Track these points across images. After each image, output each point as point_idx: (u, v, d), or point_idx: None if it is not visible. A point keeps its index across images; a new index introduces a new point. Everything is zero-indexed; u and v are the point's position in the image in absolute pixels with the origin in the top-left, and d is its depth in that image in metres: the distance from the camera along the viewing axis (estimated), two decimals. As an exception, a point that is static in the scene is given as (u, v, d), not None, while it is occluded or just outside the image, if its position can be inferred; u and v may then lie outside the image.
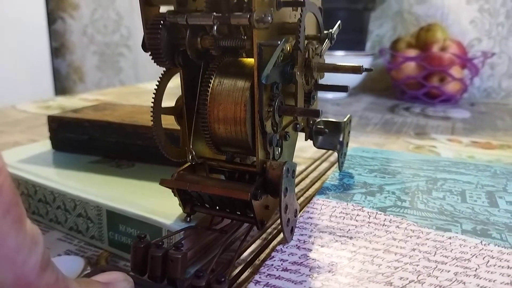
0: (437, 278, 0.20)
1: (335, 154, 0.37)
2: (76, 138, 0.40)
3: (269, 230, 0.32)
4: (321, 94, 0.89)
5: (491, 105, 0.94)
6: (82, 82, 1.54)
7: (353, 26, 0.92)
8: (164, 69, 0.26)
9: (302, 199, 0.36)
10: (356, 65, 0.26)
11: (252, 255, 0.27)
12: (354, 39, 0.93)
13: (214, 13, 0.22)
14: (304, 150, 0.52)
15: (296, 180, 0.40)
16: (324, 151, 0.50)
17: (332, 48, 0.28)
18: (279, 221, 0.32)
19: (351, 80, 0.92)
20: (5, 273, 0.14)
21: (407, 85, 0.92)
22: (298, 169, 0.43)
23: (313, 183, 0.40)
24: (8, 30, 1.24)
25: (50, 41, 1.45)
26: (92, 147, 0.39)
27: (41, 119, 0.70)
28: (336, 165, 0.38)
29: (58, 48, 1.54)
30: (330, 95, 0.92)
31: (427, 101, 0.90)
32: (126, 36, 1.42)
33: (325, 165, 0.46)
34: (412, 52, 0.91)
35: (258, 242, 0.30)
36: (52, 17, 1.49)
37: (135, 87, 1.11)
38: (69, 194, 0.32)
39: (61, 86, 1.56)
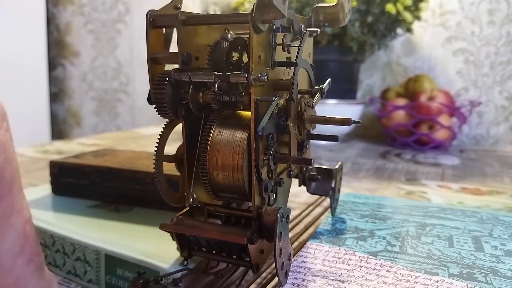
0: (425, 321, 0.21)
1: (328, 199, 0.38)
2: (76, 183, 0.41)
3: (264, 275, 0.32)
4: (314, 141, 0.91)
5: (480, 152, 0.97)
6: (79, 127, 1.57)
7: (344, 76, 0.96)
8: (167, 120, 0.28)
9: (296, 243, 0.37)
10: (345, 117, 0.28)
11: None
12: (345, 89, 0.97)
13: (215, 72, 0.25)
14: (298, 195, 0.54)
15: (290, 225, 0.42)
16: (317, 196, 0.52)
17: (325, 97, 0.31)
18: (273, 266, 0.33)
19: (343, 127, 0.95)
20: None
21: (398, 132, 0.95)
22: (292, 214, 0.44)
23: (306, 228, 0.41)
24: (9, 75, 1.28)
25: (50, 86, 1.49)
26: (91, 191, 0.41)
27: (38, 163, 0.71)
28: (329, 210, 0.40)
29: (56, 93, 1.58)
30: (323, 141, 0.95)
31: (418, 148, 0.93)
32: (125, 83, 1.46)
33: (318, 210, 0.47)
34: (401, 101, 0.95)
35: (253, 286, 0.30)
36: (52, 64, 1.54)
37: (131, 132, 1.13)
38: (68, 238, 0.33)
39: (58, 130, 1.59)
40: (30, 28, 1.36)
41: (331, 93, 0.94)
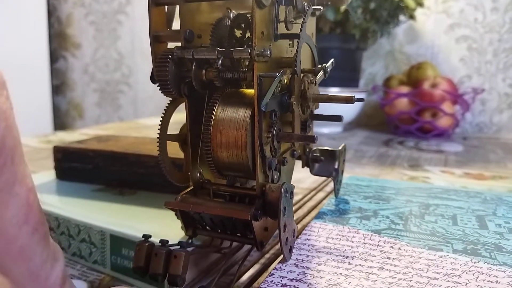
0: (429, 292, 0.21)
1: (331, 185, 0.38)
2: (80, 168, 0.41)
3: (268, 255, 0.33)
4: (317, 129, 0.91)
5: (483, 139, 0.96)
6: (81, 119, 1.57)
7: (347, 64, 0.96)
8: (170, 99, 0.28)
9: (299, 226, 0.37)
10: (349, 95, 0.28)
11: (251, 279, 0.27)
12: (348, 77, 0.96)
13: (218, 48, 0.25)
14: (302, 181, 0.54)
15: (294, 208, 0.42)
16: (320, 182, 0.52)
17: (328, 85, 0.31)
18: (277, 247, 0.33)
19: (346, 115, 0.95)
20: (31, 286, 0.15)
21: (401, 120, 0.95)
22: (296, 198, 0.44)
23: (309, 211, 0.41)
24: (11, 68, 1.28)
25: (51, 79, 1.49)
26: (95, 176, 0.41)
27: (42, 153, 0.71)
28: (332, 194, 0.40)
29: (58, 86, 1.58)
30: (325, 129, 0.95)
31: (421, 136, 0.93)
32: (127, 75, 1.46)
33: (321, 194, 0.47)
34: (404, 89, 0.94)
35: (257, 266, 0.31)
36: (54, 56, 1.54)
37: (134, 123, 1.14)
38: (73, 219, 0.33)
39: (60, 122, 1.59)
40: (31, 20, 1.36)
41: (334, 81, 0.93)
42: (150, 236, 0.23)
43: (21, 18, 1.33)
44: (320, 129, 0.94)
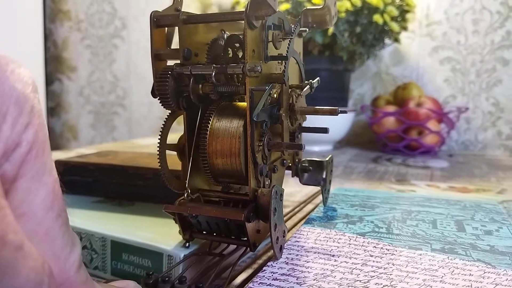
0: (407, 283, 0.24)
1: (320, 198, 0.40)
2: (80, 181, 0.43)
3: (260, 261, 0.34)
4: (308, 148, 0.94)
5: (469, 156, 1.00)
6: (76, 140, 1.58)
7: (336, 85, 0.99)
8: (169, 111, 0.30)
9: (289, 234, 0.39)
10: (333, 108, 0.31)
11: (243, 282, 0.29)
12: (337, 97, 1.00)
13: (214, 65, 0.27)
14: (293, 195, 0.56)
15: (284, 219, 0.44)
16: (309, 196, 0.54)
17: (318, 105, 0.33)
18: (269, 253, 0.35)
19: (336, 134, 0.98)
20: (52, 267, 0.16)
21: (388, 138, 0.98)
22: (286, 210, 0.46)
23: (299, 221, 0.43)
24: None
25: (47, 101, 1.51)
26: (95, 188, 0.43)
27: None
28: (320, 205, 0.42)
29: (53, 108, 1.60)
30: (316, 148, 0.98)
31: (408, 153, 0.96)
32: (121, 96, 1.49)
33: (310, 206, 0.49)
34: (391, 108, 0.98)
35: (249, 271, 0.32)
36: (50, 79, 1.57)
37: (129, 142, 1.15)
38: (76, 228, 0.34)
39: (55, 144, 1.60)
40: (28, 44, 1.39)
41: (324, 101, 0.96)
42: (152, 273, 0.25)
43: (18, 42, 1.36)
44: (311, 147, 0.96)
